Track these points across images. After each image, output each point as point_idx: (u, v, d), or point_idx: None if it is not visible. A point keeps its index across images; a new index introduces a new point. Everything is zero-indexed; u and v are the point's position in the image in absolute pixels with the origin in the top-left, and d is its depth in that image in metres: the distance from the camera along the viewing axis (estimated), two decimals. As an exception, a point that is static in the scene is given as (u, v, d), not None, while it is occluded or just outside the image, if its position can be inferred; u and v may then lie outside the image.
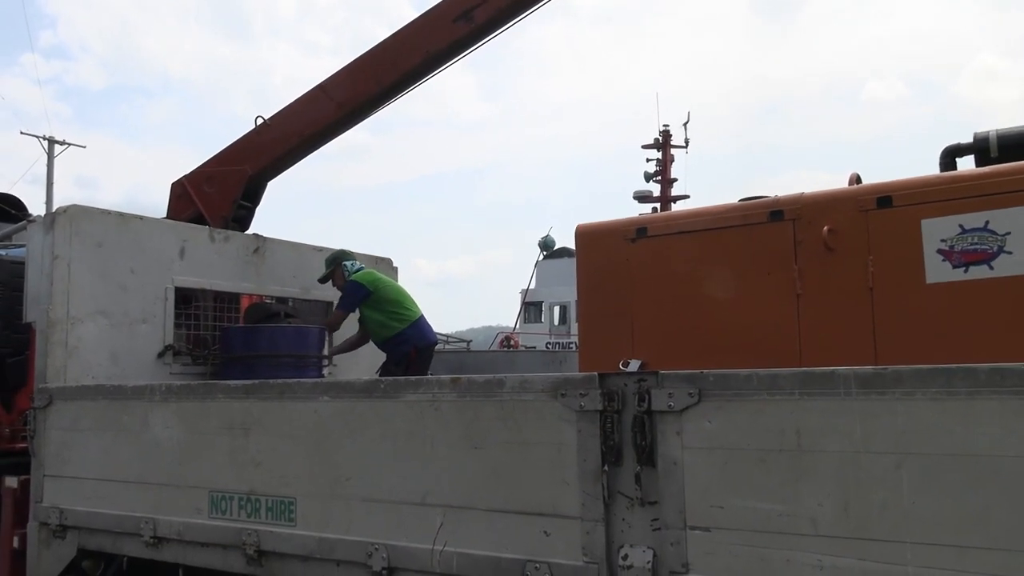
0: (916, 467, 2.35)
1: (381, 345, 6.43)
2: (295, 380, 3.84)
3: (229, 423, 3.80)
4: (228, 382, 4.12)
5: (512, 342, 26.99)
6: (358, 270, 6.44)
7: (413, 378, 3.56)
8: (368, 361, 6.61)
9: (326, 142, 6.76)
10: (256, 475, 3.69)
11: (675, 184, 30.29)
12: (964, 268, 4.11)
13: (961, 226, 4.12)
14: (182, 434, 4.00)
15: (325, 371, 6.35)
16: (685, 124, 30.66)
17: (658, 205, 29.23)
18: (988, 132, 4.98)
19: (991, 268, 4.05)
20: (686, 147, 30.28)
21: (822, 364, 2.64)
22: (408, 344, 6.34)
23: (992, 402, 2.27)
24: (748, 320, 4.76)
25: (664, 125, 30.45)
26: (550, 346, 26.18)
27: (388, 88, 6.38)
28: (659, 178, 30.22)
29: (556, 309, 29.54)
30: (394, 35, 6.36)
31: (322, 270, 6.52)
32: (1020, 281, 3.98)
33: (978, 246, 4.07)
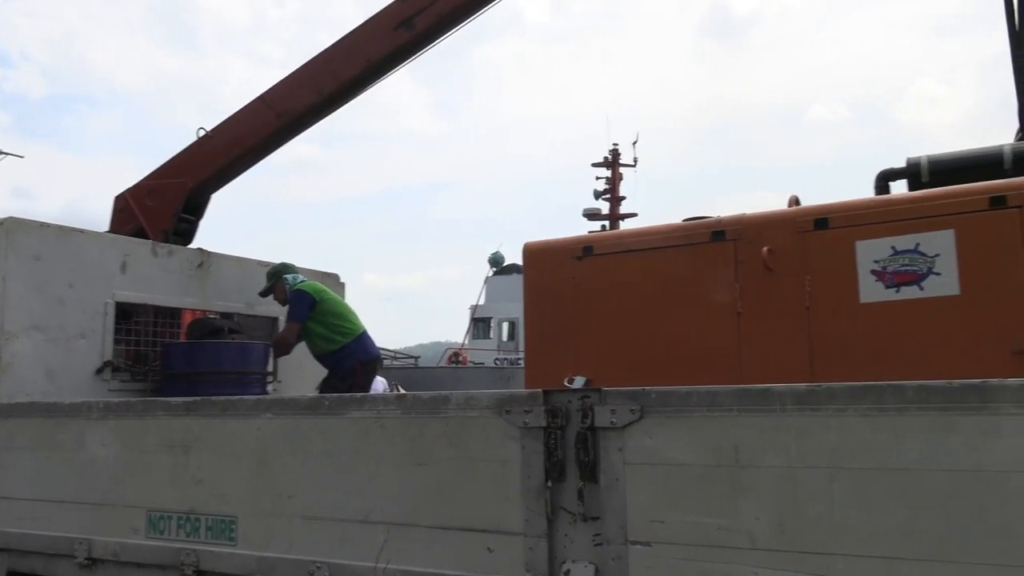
0: (848, 481, 2.43)
1: (323, 359, 6.37)
2: (238, 397, 3.80)
3: (169, 441, 3.74)
4: (169, 399, 4.06)
5: (460, 358, 26.92)
6: (301, 282, 6.39)
7: (358, 395, 3.55)
8: (317, 377, 6.56)
9: (268, 153, 6.72)
10: (196, 493, 3.64)
11: (624, 202, 30.72)
12: (896, 288, 4.26)
13: (893, 248, 4.27)
14: (120, 452, 3.92)
15: (269, 388, 6.28)
16: (634, 143, 31.19)
17: (607, 223, 29.59)
18: (920, 158, 5.16)
19: (921, 288, 4.19)
20: (635, 166, 30.77)
21: (762, 381, 2.70)
22: (352, 358, 6.30)
23: (920, 418, 2.36)
24: (691, 338, 4.85)
25: (614, 144, 30.92)
26: (498, 362, 26.19)
27: (329, 97, 6.38)
28: (608, 196, 30.62)
29: (505, 325, 29.61)
30: (334, 44, 6.36)
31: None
32: (947, 301, 4.14)
33: (909, 267, 4.22)
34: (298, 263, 6.67)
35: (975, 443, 2.28)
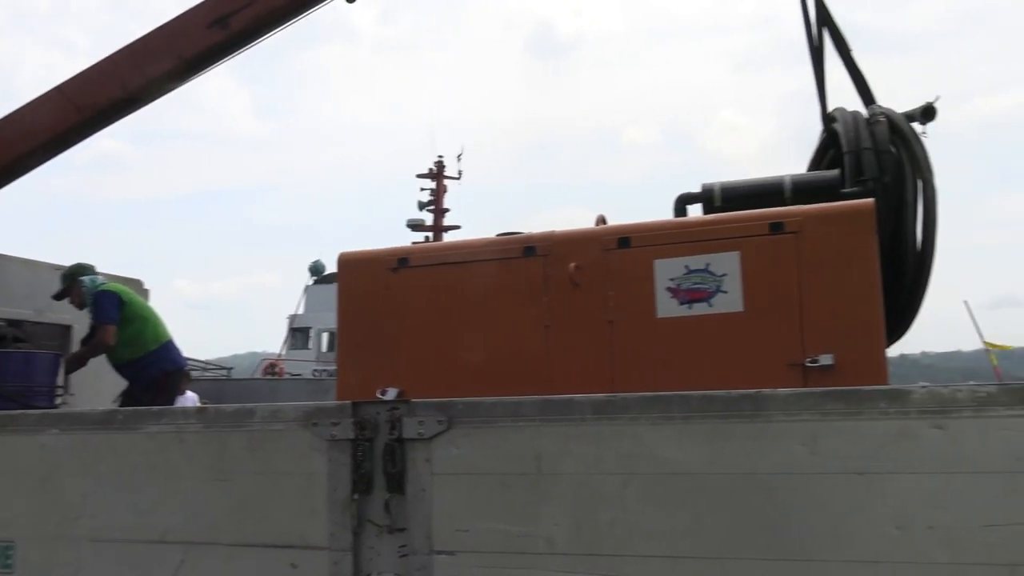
0: (640, 486, 2.59)
1: (124, 368, 6.01)
2: (19, 411, 3.52)
3: (-62, 460, 3.41)
4: (-63, 414, 3.69)
5: (277, 369, 26.12)
6: (102, 284, 6.00)
7: (155, 408, 3.38)
8: (114, 391, 6.16)
9: (65, 149, 6.27)
10: (-33, 518, 3.33)
11: (448, 214, 30.96)
12: (688, 305, 4.57)
13: (687, 267, 4.58)
14: None
15: (59, 401, 5.84)
16: (459, 156, 31.52)
17: (431, 234, 29.71)
18: (714, 184, 5.55)
19: (710, 305, 4.53)
20: (459, 179, 31.08)
21: (568, 392, 2.82)
22: (155, 368, 5.99)
23: (703, 425, 2.55)
24: (502, 350, 4.97)
25: (439, 156, 31.12)
26: (317, 373, 25.63)
27: (135, 93, 6.04)
28: (432, 208, 30.76)
29: (325, 336, 28.99)
30: (143, 37, 6.03)
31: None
32: (732, 317, 4.49)
33: (700, 285, 4.54)
34: (99, 267, 6.27)
35: (749, 448, 2.49)
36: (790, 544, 2.45)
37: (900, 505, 2.36)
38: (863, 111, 5.55)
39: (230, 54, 6.05)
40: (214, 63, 6.11)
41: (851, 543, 2.39)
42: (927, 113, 5.32)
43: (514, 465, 2.69)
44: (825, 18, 5.86)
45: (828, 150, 5.72)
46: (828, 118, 5.83)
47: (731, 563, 2.49)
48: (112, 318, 5.86)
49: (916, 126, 5.27)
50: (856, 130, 5.29)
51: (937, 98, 5.29)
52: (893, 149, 5.17)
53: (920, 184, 5.09)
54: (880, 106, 5.52)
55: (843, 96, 5.85)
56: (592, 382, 4.46)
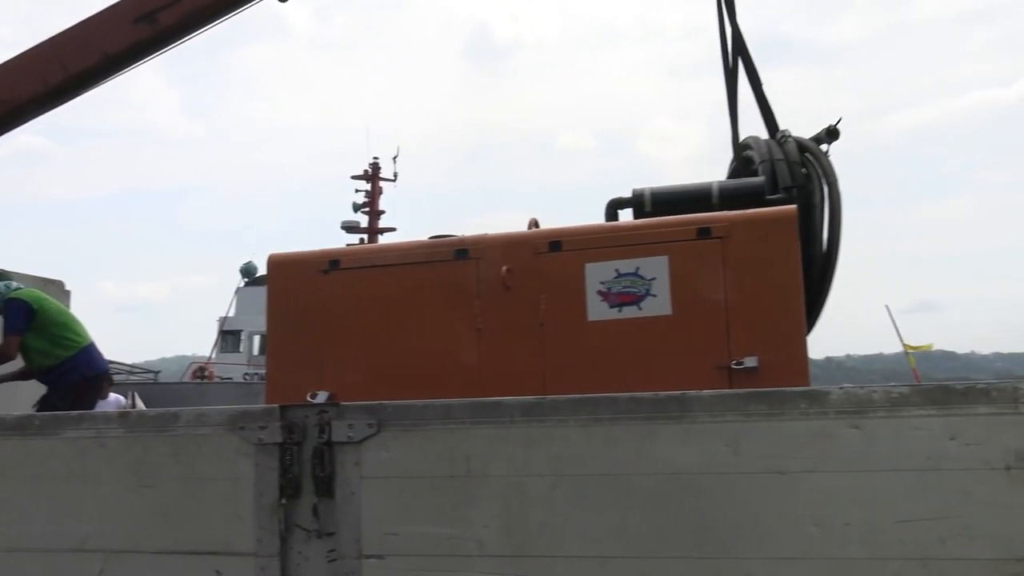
0: (568, 487, 2.61)
1: (43, 375, 5.82)
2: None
3: None
4: None
5: (206, 373, 25.58)
6: (15, 290, 5.79)
7: (75, 413, 3.28)
8: (31, 395, 5.96)
9: (-26, 144, 6.03)
10: None
11: (383, 216, 30.72)
12: (618, 308, 4.64)
13: (617, 271, 4.65)
14: None
15: (-30, 408, 5.61)
16: (394, 158, 31.30)
17: (366, 236, 29.45)
18: (644, 189, 5.64)
19: (640, 308, 4.60)
20: (395, 181, 30.87)
21: (500, 395, 2.83)
22: (75, 373, 5.81)
23: (630, 426, 2.59)
24: (435, 353, 4.97)
25: (374, 158, 30.86)
26: (248, 377, 25.21)
27: (57, 89, 5.86)
28: (367, 210, 30.49)
29: (256, 339, 28.48)
30: (66, 31, 5.85)
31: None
32: (661, 320, 4.58)
33: (630, 289, 4.62)
34: (16, 269, 6.05)
35: (674, 448, 2.54)
36: (714, 543, 2.50)
37: (818, 503, 2.43)
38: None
39: (158, 51, 5.91)
40: (141, 59, 5.96)
41: (771, 540, 2.45)
42: (831, 134, 5.60)
43: (444, 467, 2.69)
44: (740, 47, 6.04)
45: (739, 176, 5.92)
46: (740, 146, 6.03)
47: (658, 562, 2.53)
48: (17, 328, 5.67)
49: (823, 146, 5.57)
50: (768, 146, 5.59)
51: (840, 120, 5.56)
52: (801, 163, 5.45)
53: (826, 190, 5.32)
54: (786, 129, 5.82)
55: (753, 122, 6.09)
56: (524, 385, 4.49)
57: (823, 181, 5.34)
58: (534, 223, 5.47)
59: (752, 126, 6.08)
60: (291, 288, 5.38)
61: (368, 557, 2.71)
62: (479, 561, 2.63)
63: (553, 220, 5.36)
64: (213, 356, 28.41)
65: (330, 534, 2.75)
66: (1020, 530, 2.30)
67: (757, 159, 5.53)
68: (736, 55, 6.06)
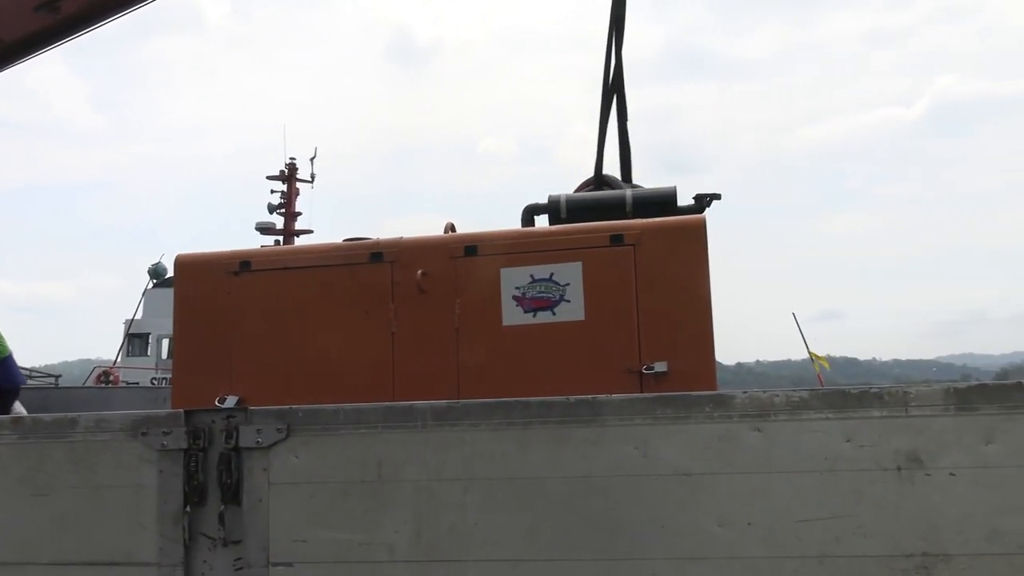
0: (480, 491, 2.62)
1: None
2: None
3: None
4: None
5: (111, 377, 24.68)
6: None
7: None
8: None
9: None
10: None
11: (299, 218, 30.09)
12: (533, 313, 4.68)
13: (532, 276, 4.69)
14: None
15: None
16: (312, 159, 30.64)
17: (281, 238, 28.81)
18: (560, 196, 5.70)
19: (553, 314, 4.65)
20: (312, 182, 30.28)
21: (414, 399, 2.82)
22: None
23: (543, 430, 2.61)
24: (348, 357, 4.91)
25: (291, 158, 30.20)
26: (156, 382, 24.41)
27: None
28: (283, 211, 29.84)
29: (165, 342, 27.56)
30: None
31: None
32: (574, 326, 4.64)
33: (544, 294, 4.66)
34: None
35: (585, 452, 2.58)
36: (623, 544, 2.54)
37: (722, 504, 2.50)
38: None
39: (59, 40, 5.69)
40: (41, 49, 5.72)
41: (678, 541, 2.51)
42: (703, 199, 5.69)
43: (355, 473, 2.67)
44: (619, 85, 6.16)
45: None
46: (600, 179, 6.11)
47: (568, 564, 2.56)
48: None
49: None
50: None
51: (720, 196, 5.61)
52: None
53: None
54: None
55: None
56: (438, 389, 4.48)
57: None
58: (451, 227, 5.47)
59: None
60: (199, 290, 5.24)
61: (276, 565, 2.67)
62: (389, 567, 2.61)
63: (471, 225, 5.35)
64: (119, 360, 27.43)
65: (236, 542, 2.69)
66: (909, 528, 2.42)
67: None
68: (612, 92, 6.16)
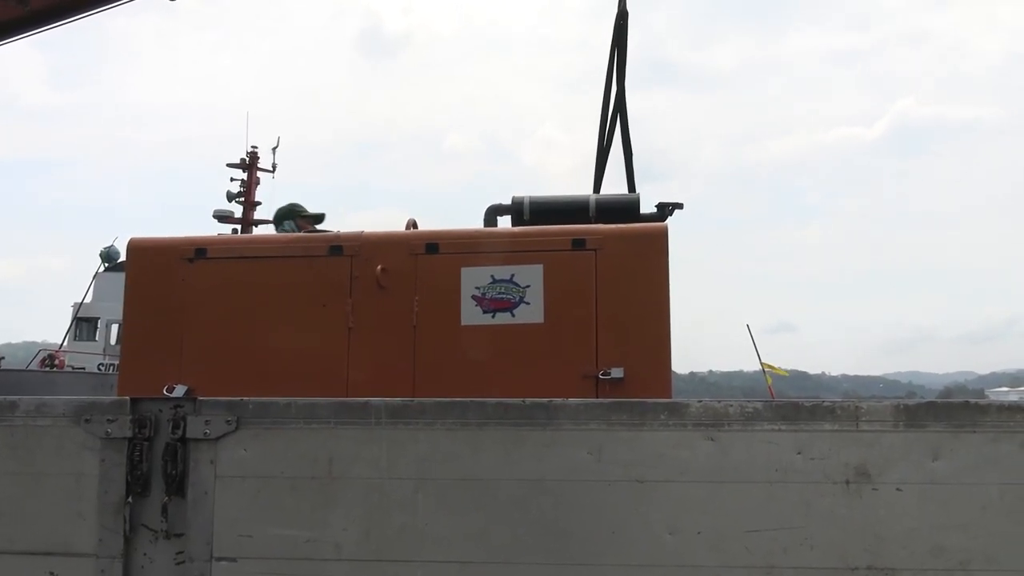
0: (432, 491, 2.59)
1: None
2: None
3: None
4: None
5: (56, 361, 24.10)
6: None
7: None
8: None
9: None
10: None
11: (259, 208, 29.60)
12: (492, 314, 4.66)
13: (492, 276, 4.67)
14: None
15: None
16: (275, 148, 30.14)
17: (239, 227, 28.32)
18: (523, 198, 5.68)
19: (512, 315, 4.64)
20: (273, 172, 29.82)
21: (369, 395, 2.78)
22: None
23: (497, 432, 2.60)
24: (303, 350, 4.85)
25: (253, 146, 29.72)
26: (103, 368, 23.87)
27: None
28: (242, 200, 29.36)
29: (115, 327, 26.94)
30: None
31: None
32: (533, 328, 4.63)
33: (504, 295, 4.65)
34: None
35: (539, 455, 2.57)
36: (574, 548, 2.54)
37: (673, 511, 2.51)
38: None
39: (25, 32, 5.55)
40: (7, 39, 5.59)
41: (628, 547, 2.51)
42: (665, 207, 5.74)
43: (305, 468, 2.62)
44: (621, 106, 6.20)
45: None
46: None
47: (517, 568, 2.55)
48: None
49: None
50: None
51: (682, 206, 5.67)
52: None
53: None
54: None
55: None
56: (394, 386, 4.44)
57: None
58: (412, 223, 5.43)
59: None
60: (152, 275, 5.13)
61: (219, 560, 2.61)
62: (335, 565, 2.57)
63: (433, 221, 5.32)
64: (66, 344, 26.80)
65: (179, 535, 2.64)
66: (855, 541, 2.44)
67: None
68: (616, 113, 6.19)
